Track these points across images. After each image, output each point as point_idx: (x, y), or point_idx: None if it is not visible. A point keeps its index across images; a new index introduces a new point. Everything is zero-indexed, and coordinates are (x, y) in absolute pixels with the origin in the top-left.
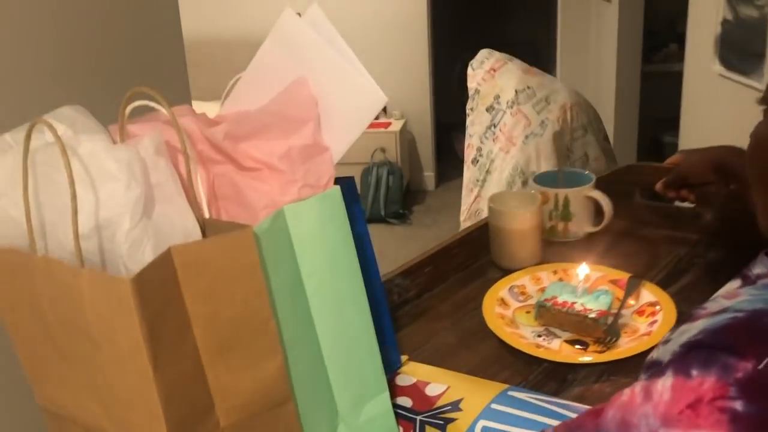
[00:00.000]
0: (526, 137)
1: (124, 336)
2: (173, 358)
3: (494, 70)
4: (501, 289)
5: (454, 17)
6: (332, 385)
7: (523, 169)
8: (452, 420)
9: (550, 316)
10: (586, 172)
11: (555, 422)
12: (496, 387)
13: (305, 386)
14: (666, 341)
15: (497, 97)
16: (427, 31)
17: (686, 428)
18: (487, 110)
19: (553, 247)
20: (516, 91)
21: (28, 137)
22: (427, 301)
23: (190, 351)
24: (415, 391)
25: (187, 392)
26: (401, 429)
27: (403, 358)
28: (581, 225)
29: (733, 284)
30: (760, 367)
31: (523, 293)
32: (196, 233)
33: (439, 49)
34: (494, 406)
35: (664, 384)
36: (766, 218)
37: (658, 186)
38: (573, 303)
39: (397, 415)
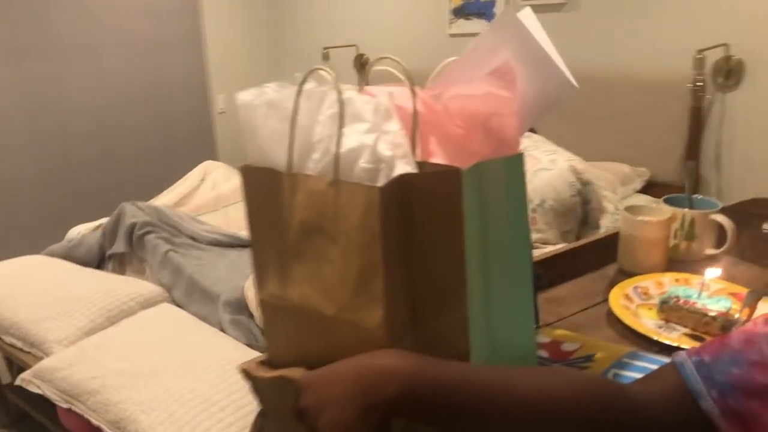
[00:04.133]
0: (536, 171)
1: (365, 231)
2: (396, 251)
3: None
4: (626, 287)
5: None
6: (493, 310)
7: (531, 197)
8: (586, 368)
9: (671, 311)
10: (713, 200)
11: None
12: (626, 348)
13: (475, 301)
14: None
15: None
16: None
17: None
18: None
19: (675, 264)
20: (525, 146)
21: (303, 82)
22: (558, 290)
23: (406, 248)
24: (552, 347)
25: (400, 279)
26: None
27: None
28: (703, 246)
29: None
30: None
31: (645, 293)
32: (414, 170)
33: None
34: (625, 359)
35: None
36: None
37: None
38: (694, 302)
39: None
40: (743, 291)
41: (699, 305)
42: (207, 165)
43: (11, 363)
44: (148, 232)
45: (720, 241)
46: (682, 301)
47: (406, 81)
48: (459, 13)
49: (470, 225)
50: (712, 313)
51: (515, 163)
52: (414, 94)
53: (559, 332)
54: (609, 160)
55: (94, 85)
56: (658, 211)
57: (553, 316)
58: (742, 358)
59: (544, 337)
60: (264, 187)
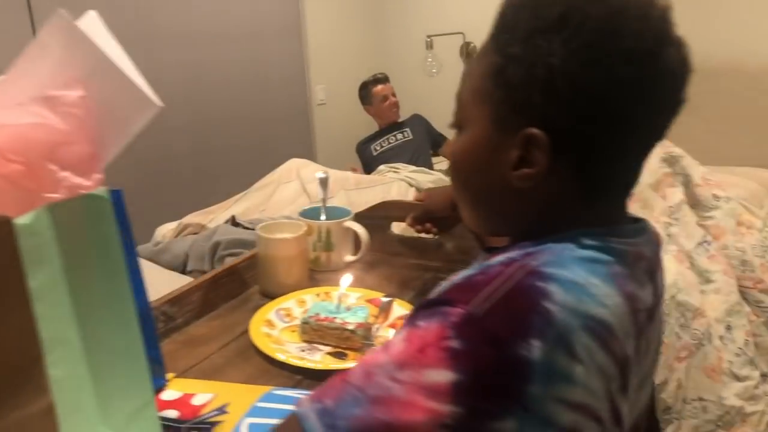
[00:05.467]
0: None
1: None
2: None
3: None
4: (268, 311)
5: None
6: (95, 388)
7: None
8: (218, 423)
9: (312, 331)
10: (346, 208)
11: None
12: (263, 389)
13: (65, 388)
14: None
15: None
16: None
17: (416, 368)
18: None
19: (318, 276)
20: None
21: None
22: (195, 328)
23: None
24: (181, 403)
25: None
26: None
27: (170, 375)
28: (342, 254)
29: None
30: (468, 309)
31: (288, 315)
32: None
33: None
34: (260, 404)
35: (398, 337)
36: (472, 221)
37: (407, 220)
38: (333, 318)
39: (162, 427)
40: (379, 296)
41: (338, 320)
42: (295, 163)
43: None
44: (231, 254)
45: (358, 247)
46: (322, 319)
47: None
48: None
49: (45, 286)
50: (351, 326)
51: (98, 201)
52: None
53: (192, 383)
54: (752, 165)
55: (190, 76)
56: (295, 226)
57: (190, 360)
58: (363, 396)
59: (173, 393)
60: None
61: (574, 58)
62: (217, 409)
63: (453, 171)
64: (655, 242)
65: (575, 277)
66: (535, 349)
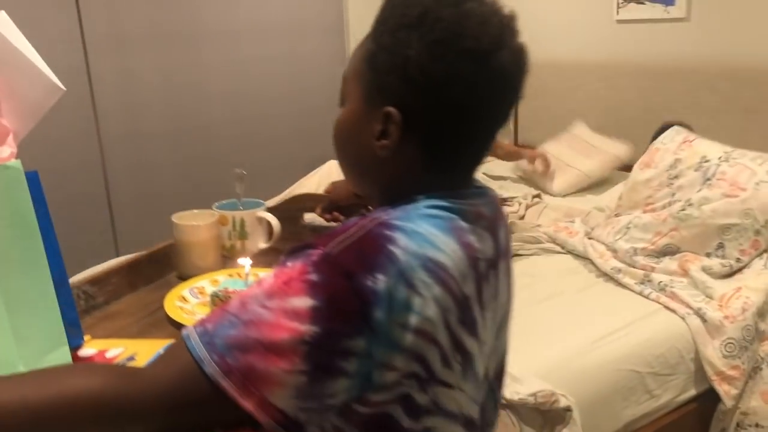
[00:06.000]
0: (757, 184)
1: None
2: None
3: (689, 141)
4: (182, 289)
5: None
6: (12, 334)
7: (757, 216)
8: None
9: (221, 302)
10: (260, 201)
11: None
12: (167, 341)
13: None
14: None
15: (704, 157)
16: None
17: (282, 297)
18: (695, 170)
19: (233, 263)
20: (725, 152)
21: None
22: (114, 306)
23: None
24: (96, 357)
25: None
26: None
27: (87, 337)
28: (256, 242)
29: None
30: (325, 250)
31: (201, 293)
32: None
33: None
34: (163, 351)
35: (270, 275)
36: (353, 185)
37: (316, 211)
38: (241, 290)
39: None
40: None
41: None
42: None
43: None
44: None
45: (271, 236)
46: (230, 291)
47: None
48: None
49: None
50: None
51: (10, 170)
52: None
53: (105, 342)
54: None
55: (232, 74)
56: (208, 215)
57: (107, 332)
58: (238, 320)
59: (89, 351)
60: None
61: (426, 52)
62: (126, 358)
63: (334, 139)
64: (494, 204)
65: (418, 228)
66: (380, 281)
